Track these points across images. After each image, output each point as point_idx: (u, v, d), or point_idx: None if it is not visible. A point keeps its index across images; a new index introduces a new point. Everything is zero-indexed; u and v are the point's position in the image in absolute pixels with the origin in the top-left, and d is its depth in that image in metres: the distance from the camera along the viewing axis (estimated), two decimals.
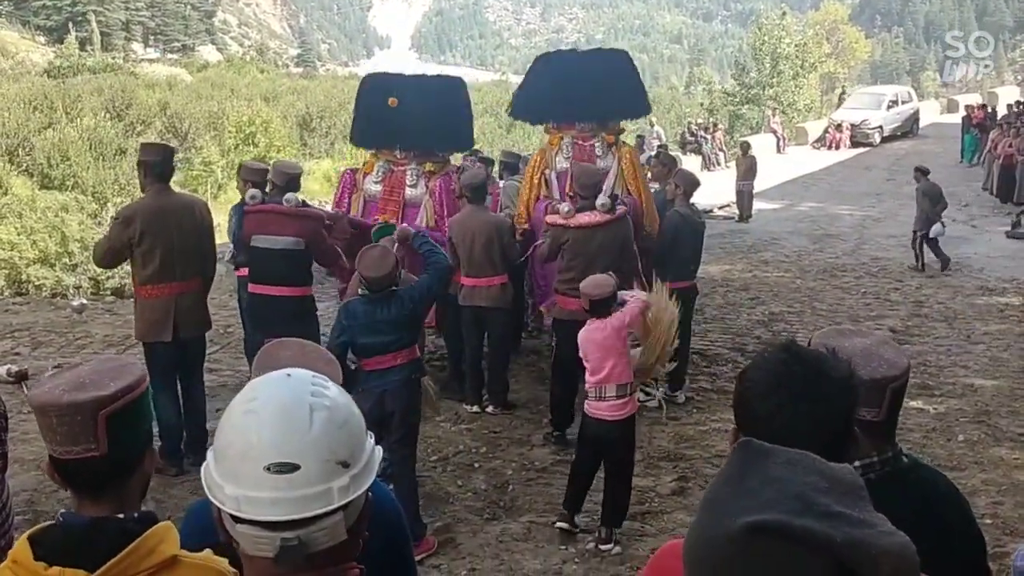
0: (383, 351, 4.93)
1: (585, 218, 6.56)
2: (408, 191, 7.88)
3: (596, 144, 7.87)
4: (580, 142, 7.89)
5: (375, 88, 8.44)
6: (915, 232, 13.36)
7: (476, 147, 11.48)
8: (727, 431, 6.57)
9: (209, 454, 1.39)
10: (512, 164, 9.83)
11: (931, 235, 13.04)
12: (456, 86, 8.67)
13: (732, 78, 42.46)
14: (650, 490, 5.91)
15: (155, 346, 5.80)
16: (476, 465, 6.33)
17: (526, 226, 7.69)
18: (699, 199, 8.60)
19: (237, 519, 1.33)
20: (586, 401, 5.19)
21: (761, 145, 25.57)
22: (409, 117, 7.79)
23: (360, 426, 1.41)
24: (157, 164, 5.79)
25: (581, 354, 5.13)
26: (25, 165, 27.48)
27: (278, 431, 1.31)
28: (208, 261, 6.11)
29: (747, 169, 18.00)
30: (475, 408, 7.24)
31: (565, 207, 6.85)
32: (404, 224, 6.53)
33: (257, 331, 6.34)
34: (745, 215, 17.87)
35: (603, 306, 5.07)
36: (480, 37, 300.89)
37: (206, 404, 6.37)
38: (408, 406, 5.04)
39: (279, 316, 6.01)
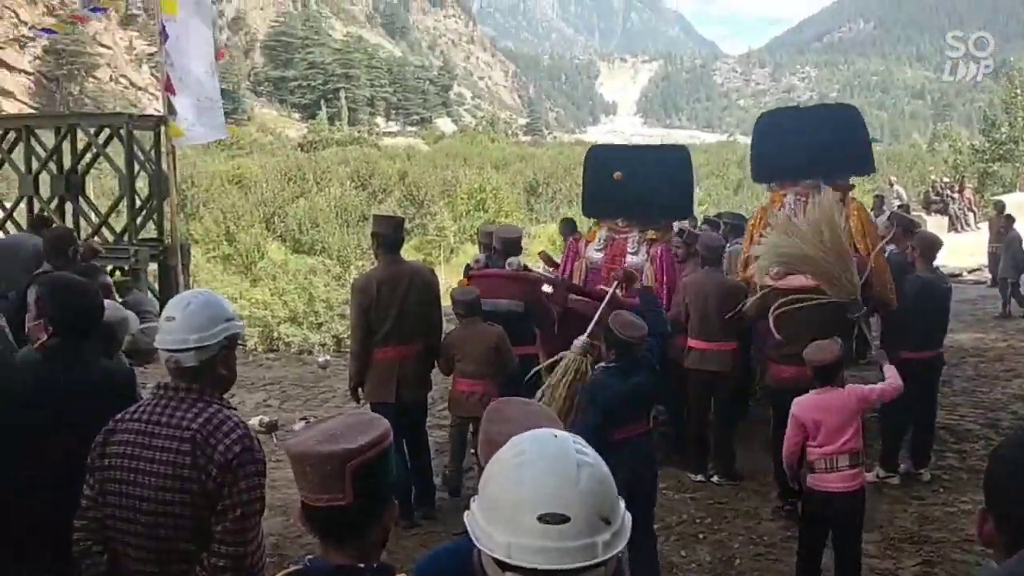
0: (635, 420, 4.85)
1: (797, 281, 6.21)
2: (629, 258, 7.87)
3: None
4: (804, 199, 7.57)
5: (599, 160, 8.58)
6: (1006, 280, 13.85)
7: (717, 213, 11.38)
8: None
9: (474, 503, 1.47)
10: (739, 227, 9.60)
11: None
12: (680, 156, 8.61)
13: (981, 134, 39.68)
14: (890, 573, 5.45)
15: (380, 407, 6.02)
16: (701, 536, 6.09)
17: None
18: (947, 262, 8.00)
19: (504, 565, 1.39)
20: (810, 475, 4.86)
21: (1016, 204, 23.59)
22: (633, 188, 7.83)
23: (615, 487, 1.46)
24: (387, 235, 6.08)
25: (808, 423, 4.81)
26: (280, 231, 29.93)
27: (550, 483, 1.38)
28: (433, 326, 6.30)
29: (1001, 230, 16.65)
30: (700, 477, 6.99)
31: (775, 268, 6.52)
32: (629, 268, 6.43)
33: None
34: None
35: (831, 372, 4.79)
36: (707, 99, 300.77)
37: (431, 460, 6.52)
38: (656, 471, 5.02)
39: None
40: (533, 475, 1.39)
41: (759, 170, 8.45)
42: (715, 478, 6.96)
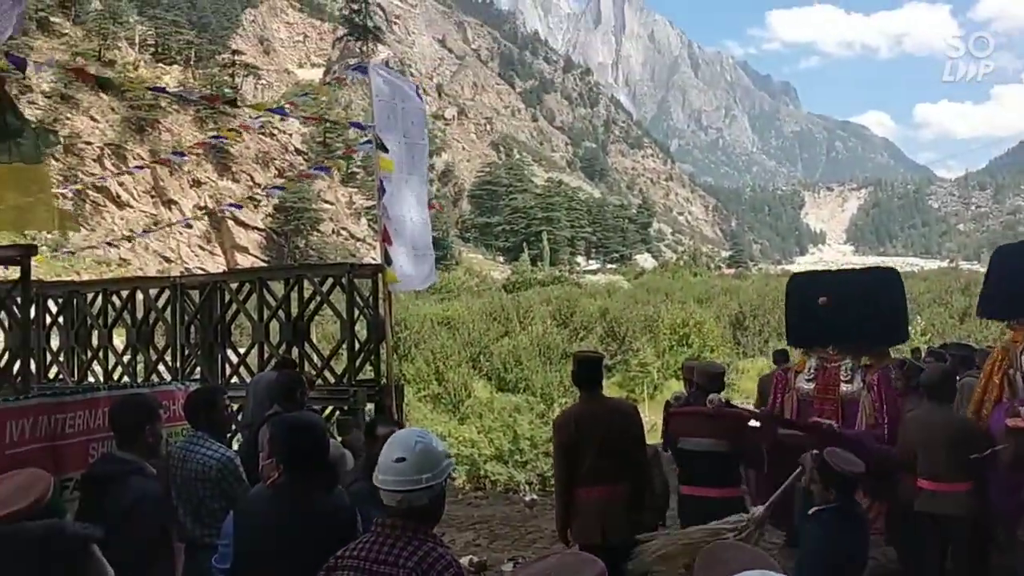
0: (858, 571, 4.56)
1: None
2: (844, 387, 7.51)
3: None
4: None
5: (803, 287, 8.35)
6: None
7: (943, 344, 10.69)
8: None
9: None
10: (967, 358, 8.96)
11: None
12: (889, 279, 8.22)
13: None
14: None
15: (589, 549, 5.91)
16: None
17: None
18: None
19: None
20: None
21: None
22: (840, 315, 7.53)
23: None
24: (585, 373, 6.11)
25: None
26: (485, 370, 30.73)
27: None
28: (637, 465, 6.16)
29: None
30: None
31: None
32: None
33: None
34: None
35: None
36: (923, 225, 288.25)
37: None
38: None
39: (709, 517, 5.87)
40: None
41: (992, 305, 7.86)
42: None
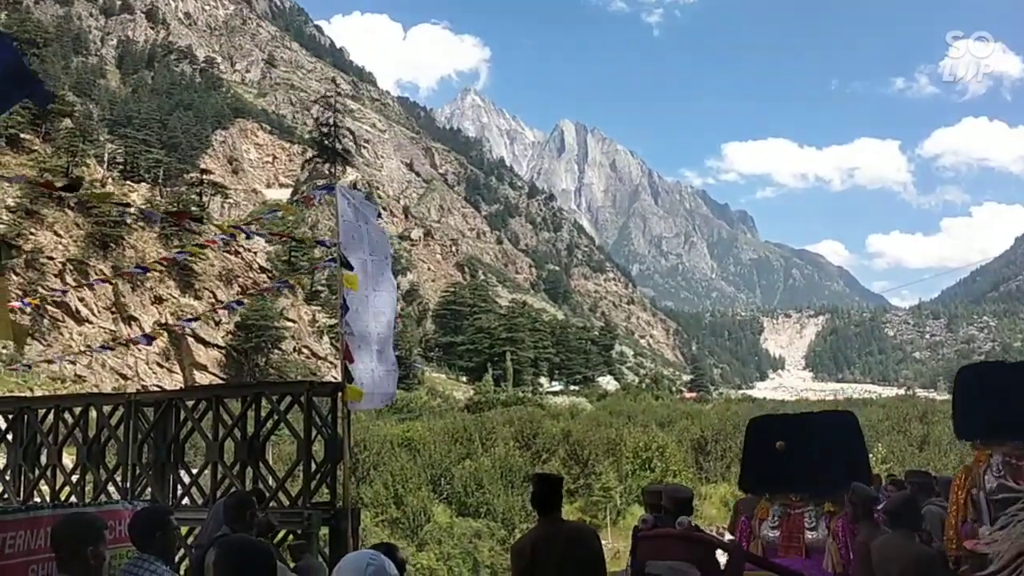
0: None
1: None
2: (808, 535, 7.41)
3: None
4: (1014, 461, 6.95)
5: (760, 432, 8.34)
6: None
7: (908, 471, 10.65)
8: None
9: None
10: (927, 485, 8.94)
11: None
12: (846, 422, 8.26)
13: None
14: None
15: None
16: None
17: (956, 553, 6.77)
18: None
19: None
20: None
21: None
22: (799, 459, 7.52)
23: None
24: (543, 495, 6.03)
25: None
26: (446, 493, 30.10)
27: None
28: None
29: None
30: None
31: (985, 529, 5.98)
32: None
33: None
34: None
35: None
36: (880, 352, 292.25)
37: None
38: None
39: None
40: None
41: (962, 426, 7.88)
42: None
